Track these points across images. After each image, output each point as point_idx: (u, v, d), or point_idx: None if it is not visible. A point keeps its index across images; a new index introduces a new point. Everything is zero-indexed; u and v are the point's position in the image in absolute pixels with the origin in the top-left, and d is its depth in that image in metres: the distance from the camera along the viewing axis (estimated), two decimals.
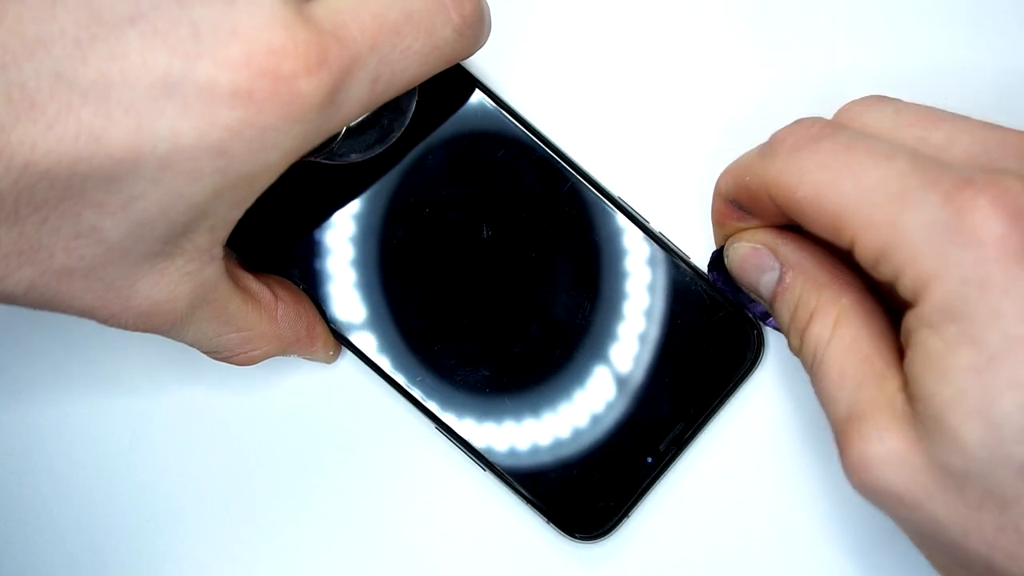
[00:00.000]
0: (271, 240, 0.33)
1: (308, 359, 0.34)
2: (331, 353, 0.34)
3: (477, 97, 0.33)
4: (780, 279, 0.29)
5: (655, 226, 0.33)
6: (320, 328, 0.33)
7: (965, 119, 0.27)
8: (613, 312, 0.33)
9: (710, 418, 0.33)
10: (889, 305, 0.28)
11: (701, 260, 0.33)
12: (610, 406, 0.33)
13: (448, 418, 0.33)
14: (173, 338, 0.29)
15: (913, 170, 0.25)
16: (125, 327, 0.27)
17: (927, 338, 0.25)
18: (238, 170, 0.25)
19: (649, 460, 0.33)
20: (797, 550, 0.34)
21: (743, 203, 0.30)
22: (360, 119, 0.30)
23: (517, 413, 0.33)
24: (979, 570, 0.25)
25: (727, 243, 0.31)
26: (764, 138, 0.31)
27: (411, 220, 0.33)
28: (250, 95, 0.24)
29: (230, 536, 0.35)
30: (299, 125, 0.25)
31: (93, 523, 0.35)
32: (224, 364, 0.31)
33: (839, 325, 0.27)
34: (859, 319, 0.27)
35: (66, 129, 0.23)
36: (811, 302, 0.28)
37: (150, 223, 0.25)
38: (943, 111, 0.27)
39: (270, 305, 0.31)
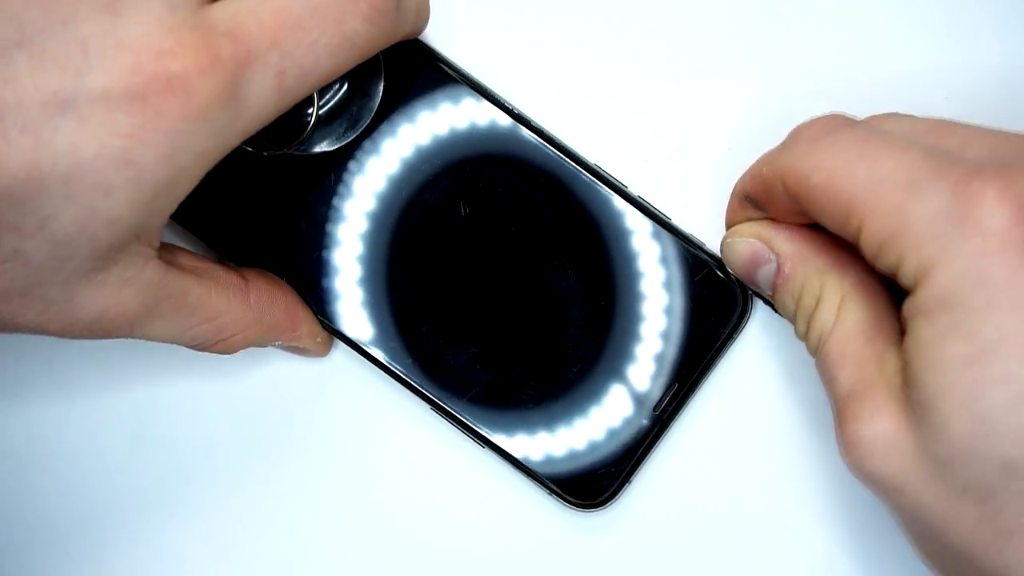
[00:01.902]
0: (252, 234, 0.33)
1: (298, 351, 0.34)
2: (319, 340, 0.33)
3: (443, 74, 0.33)
4: (779, 271, 0.30)
5: (632, 190, 0.34)
6: (303, 313, 0.33)
7: (979, 127, 0.28)
8: (598, 279, 0.34)
9: (703, 377, 0.33)
10: (893, 286, 0.28)
11: (686, 226, 0.33)
12: (602, 372, 0.33)
13: (442, 398, 0.34)
14: (142, 338, 0.29)
15: (925, 161, 0.26)
16: (80, 338, 0.28)
17: (922, 326, 0.25)
18: (152, 178, 0.25)
19: (646, 423, 0.33)
20: (795, 505, 0.34)
21: (756, 197, 0.30)
22: (328, 107, 0.31)
23: (510, 389, 0.33)
24: (961, 560, 0.25)
25: (722, 240, 0.32)
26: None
27: (395, 205, 0.34)
28: (144, 99, 0.24)
29: (230, 536, 0.35)
30: (203, 124, 0.25)
31: (93, 523, 0.35)
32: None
33: (843, 307, 0.28)
34: (861, 300, 0.28)
35: None
36: (815, 288, 0.29)
37: (71, 242, 0.25)
38: (957, 122, 0.28)
39: (240, 289, 0.31)
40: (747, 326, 0.34)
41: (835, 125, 0.28)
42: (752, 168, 0.31)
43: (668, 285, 0.33)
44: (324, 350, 0.34)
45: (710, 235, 0.34)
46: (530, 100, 0.34)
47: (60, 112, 0.24)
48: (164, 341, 0.30)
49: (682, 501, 0.34)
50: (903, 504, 0.26)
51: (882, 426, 0.26)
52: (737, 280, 0.33)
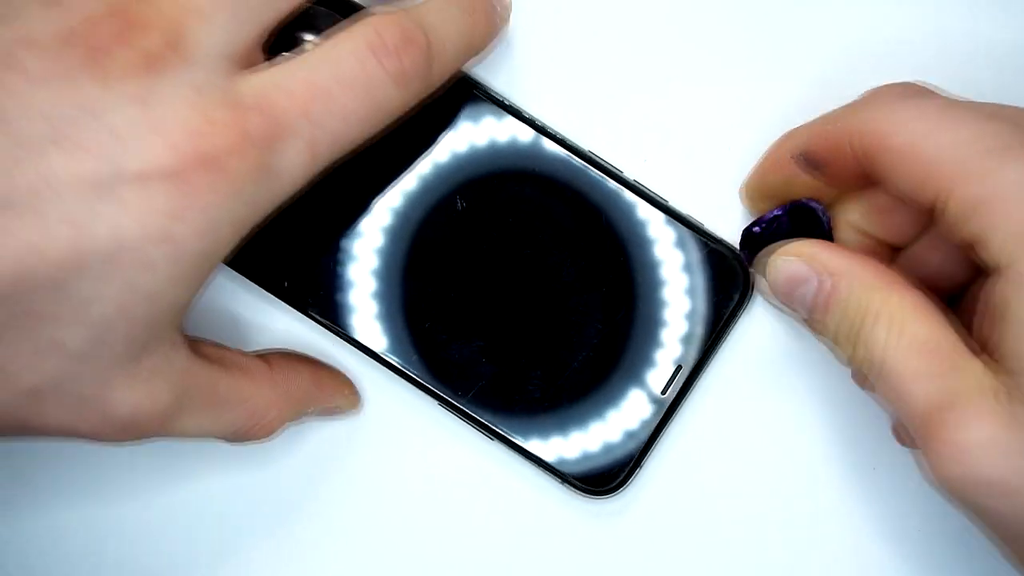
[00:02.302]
0: (266, 254, 0.33)
1: (332, 411, 0.34)
2: (350, 396, 0.33)
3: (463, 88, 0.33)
4: (820, 288, 0.28)
5: (628, 175, 0.33)
6: (326, 376, 0.33)
7: None
8: (599, 264, 0.33)
9: (710, 357, 0.33)
10: (944, 294, 0.27)
11: (683, 208, 0.33)
12: (609, 357, 0.33)
13: (449, 393, 0.33)
14: (175, 437, 0.29)
15: (1015, 130, 0.25)
16: (113, 440, 0.27)
17: None
18: (191, 252, 0.25)
19: (653, 408, 0.33)
20: (805, 486, 0.34)
21: (818, 155, 0.29)
22: None
23: (517, 380, 0.33)
24: None
25: (768, 260, 0.30)
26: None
27: (396, 203, 0.33)
28: (181, 177, 0.25)
29: (230, 535, 0.35)
30: (237, 198, 0.26)
31: (93, 523, 0.35)
32: None
33: (900, 323, 0.27)
34: (918, 315, 0.27)
35: (4, 248, 0.24)
36: (863, 304, 0.27)
37: (109, 325, 0.25)
38: None
39: (263, 372, 0.31)
40: (750, 305, 0.34)
41: (916, 90, 0.28)
42: (813, 126, 0.30)
43: (669, 268, 0.33)
44: (357, 403, 0.34)
45: (710, 225, 0.33)
46: (529, 100, 0.34)
47: (98, 197, 0.24)
48: (199, 436, 0.29)
49: (693, 485, 0.34)
50: (1014, 510, 0.24)
51: (987, 430, 0.24)
52: (738, 258, 0.33)
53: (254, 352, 0.32)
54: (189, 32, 0.26)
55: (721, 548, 0.34)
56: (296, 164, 0.27)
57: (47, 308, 0.24)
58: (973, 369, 0.25)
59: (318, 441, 0.35)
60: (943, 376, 0.25)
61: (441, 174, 0.33)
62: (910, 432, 0.27)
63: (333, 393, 0.33)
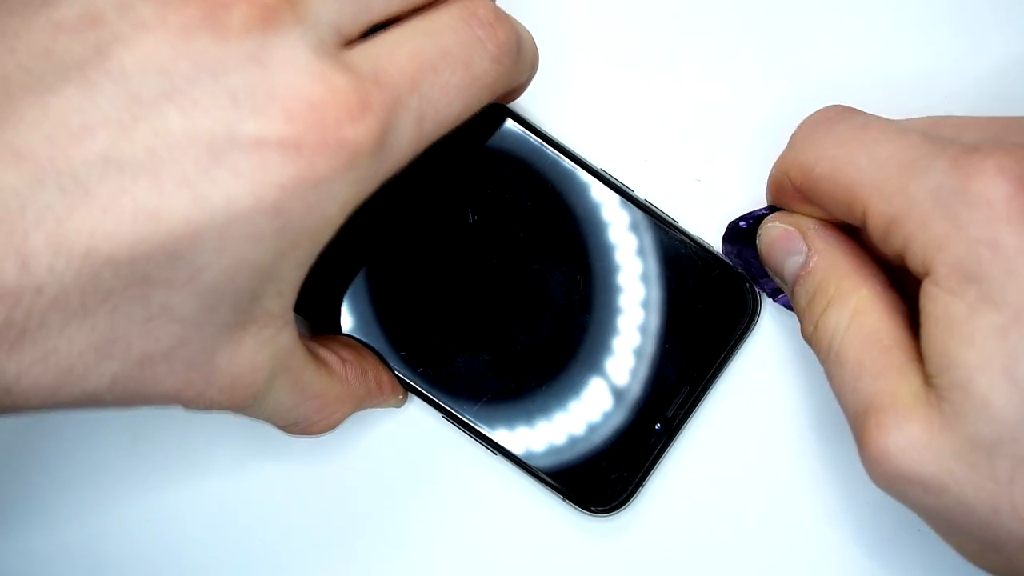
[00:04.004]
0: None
1: (379, 407, 0.34)
2: (400, 397, 0.34)
3: None
4: (804, 263, 0.29)
5: (640, 194, 0.33)
6: (386, 377, 0.33)
7: (972, 116, 0.28)
8: (607, 284, 0.33)
9: (714, 379, 0.33)
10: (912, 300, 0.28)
11: (693, 229, 0.34)
12: (614, 376, 0.33)
13: (453, 406, 0.33)
14: (252, 415, 0.28)
15: (923, 143, 0.26)
16: (209, 407, 0.27)
17: (946, 304, 0.25)
18: (297, 227, 0.25)
19: (658, 427, 0.33)
20: (808, 508, 0.34)
21: (773, 199, 0.31)
22: None
23: (521, 395, 0.33)
24: (1012, 549, 0.25)
25: (762, 223, 0.31)
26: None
27: (401, 214, 0.33)
28: (299, 150, 0.24)
29: (230, 535, 0.35)
30: (352, 173, 0.25)
31: (93, 523, 0.34)
32: None
33: (858, 314, 0.27)
34: (879, 311, 0.27)
35: (122, 211, 0.23)
36: (830, 289, 0.28)
37: (218, 292, 0.25)
38: (951, 115, 0.29)
39: (338, 368, 0.31)
40: (757, 328, 0.34)
41: (833, 115, 0.28)
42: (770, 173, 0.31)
43: (677, 289, 0.33)
44: (403, 402, 0.34)
45: (713, 235, 0.34)
46: (529, 100, 0.33)
47: (215, 163, 0.23)
48: (269, 417, 0.29)
49: (695, 505, 0.34)
50: (944, 505, 0.25)
51: (912, 432, 0.25)
52: (747, 282, 0.33)
53: (327, 341, 0.32)
54: None
55: (723, 568, 0.34)
56: (406, 140, 0.26)
57: (161, 275, 0.24)
58: (915, 372, 0.26)
59: (317, 451, 0.35)
60: (883, 376, 0.26)
61: (453, 187, 0.33)
62: (848, 422, 0.27)
63: (389, 395, 0.33)
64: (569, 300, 0.33)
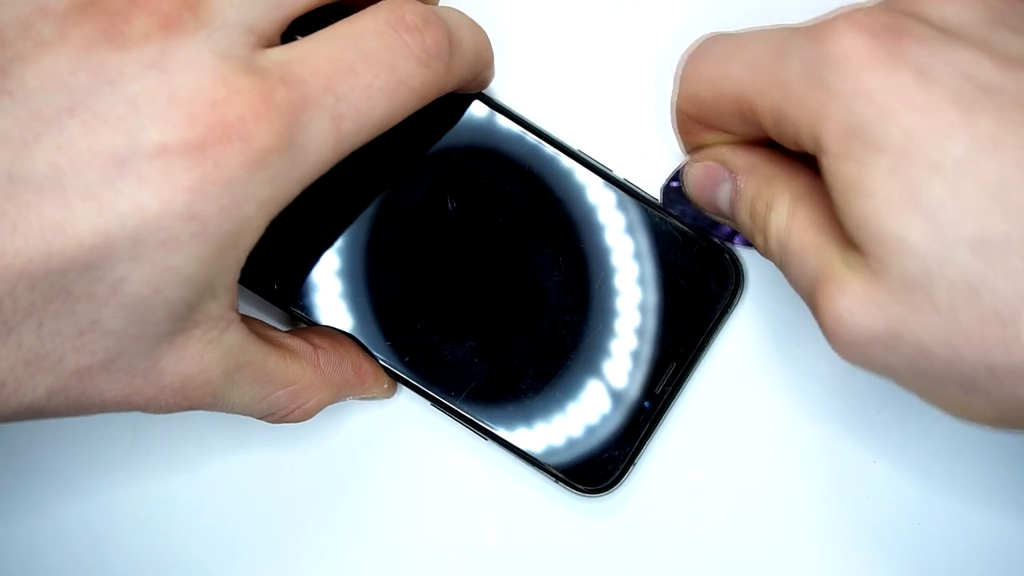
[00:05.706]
0: (255, 257, 0.33)
1: (365, 398, 0.34)
2: (386, 387, 0.34)
3: None
4: (734, 187, 0.30)
5: (618, 173, 0.33)
6: (367, 365, 0.33)
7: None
8: (590, 265, 0.33)
9: (701, 354, 0.33)
10: None
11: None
12: (601, 357, 0.33)
13: (441, 394, 0.33)
14: (220, 410, 0.29)
15: (784, 32, 0.27)
16: (167, 410, 0.27)
17: (840, 169, 0.25)
18: (216, 231, 0.25)
19: (647, 405, 0.33)
20: (798, 483, 0.34)
21: (682, 138, 0.31)
22: None
23: (509, 380, 0.33)
24: (985, 383, 0.24)
25: (683, 169, 0.32)
26: None
27: (381, 203, 0.33)
28: (203, 151, 0.24)
29: (230, 535, 0.35)
30: (264, 172, 0.25)
31: (93, 523, 0.35)
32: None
33: (794, 207, 0.28)
34: (812, 199, 0.28)
35: (30, 227, 0.23)
36: (765, 195, 0.29)
37: (146, 303, 0.25)
38: None
39: (309, 355, 0.31)
40: (742, 301, 0.34)
41: (705, 42, 0.29)
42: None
43: (660, 265, 0.33)
44: (392, 393, 0.34)
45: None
46: (527, 96, 0.34)
47: (119, 173, 0.24)
48: (241, 411, 0.29)
49: (687, 482, 0.34)
50: (907, 355, 0.25)
51: (854, 291, 0.25)
52: (729, 254, 0.33)
53: (300, 330, 0.32)
54: None
55: (714, 545, 0.34)
56: (322, 140, 0.26)
57: (82, 289, 0.24)
58: (845, 242, 0.26)
59: (309, 441, 0.35)
60: (822, 251, 0.26)
61: (431, 174, 0.33)
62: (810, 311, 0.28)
63: (372, 384, 0.33)
64: (552, 282, 0.33)
